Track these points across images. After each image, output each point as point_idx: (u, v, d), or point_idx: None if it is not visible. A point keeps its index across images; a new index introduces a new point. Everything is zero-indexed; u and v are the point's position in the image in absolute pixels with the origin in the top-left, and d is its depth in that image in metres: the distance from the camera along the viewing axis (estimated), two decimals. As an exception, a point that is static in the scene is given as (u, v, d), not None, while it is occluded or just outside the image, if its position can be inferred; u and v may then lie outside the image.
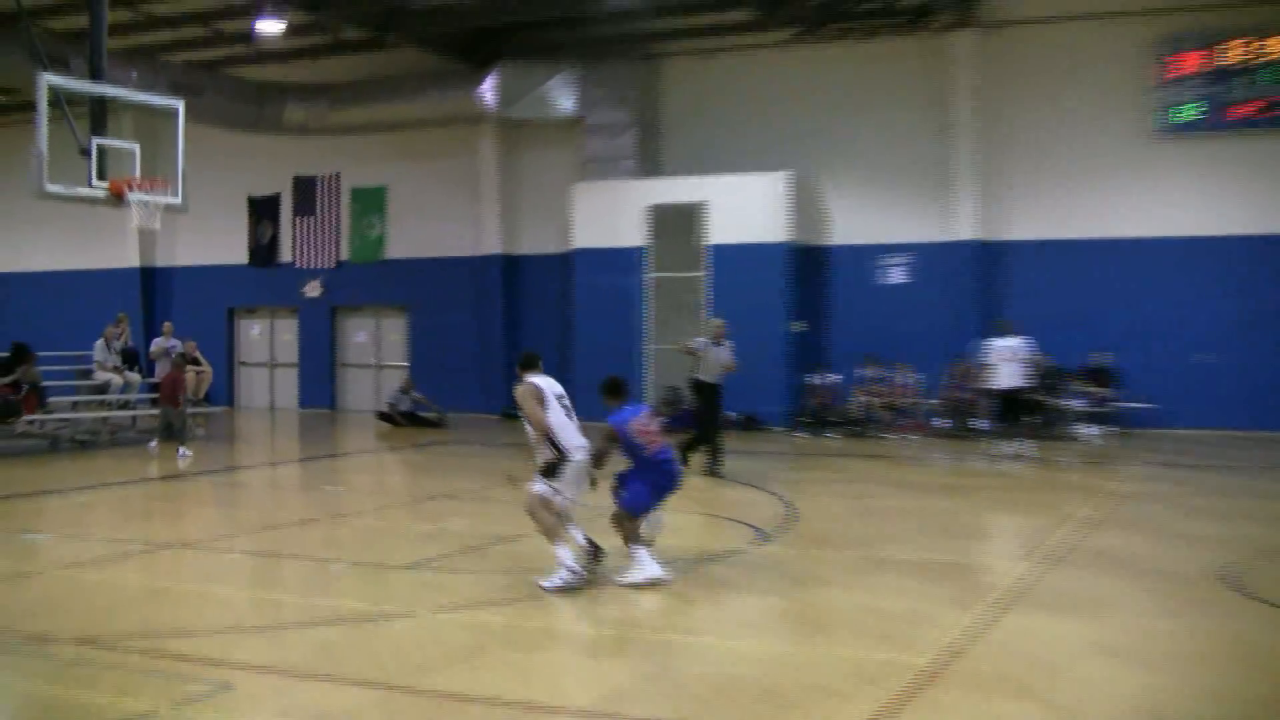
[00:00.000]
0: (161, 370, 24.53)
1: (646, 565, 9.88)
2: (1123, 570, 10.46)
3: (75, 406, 23.43)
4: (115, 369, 23.91)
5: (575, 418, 10.15)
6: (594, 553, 10.08)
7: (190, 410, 22.24)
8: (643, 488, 10.07)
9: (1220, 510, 14.23)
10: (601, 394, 10.49)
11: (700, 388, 17.83)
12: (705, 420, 17.78)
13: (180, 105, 18.55)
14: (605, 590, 9.76)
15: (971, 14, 24.42)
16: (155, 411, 23.51)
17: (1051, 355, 22.27)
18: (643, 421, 10.24)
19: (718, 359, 17.75)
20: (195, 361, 24.36)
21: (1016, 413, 20.16)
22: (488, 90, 26.82)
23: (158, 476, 18.16)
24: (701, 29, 26.10)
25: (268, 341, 32.95)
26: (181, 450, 20.46)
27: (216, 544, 12.18)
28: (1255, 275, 23.19)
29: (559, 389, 10.25)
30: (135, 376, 24.36)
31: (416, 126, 28.65)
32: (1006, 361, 19.75)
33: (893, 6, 23.80)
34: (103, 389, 23.68)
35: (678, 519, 12.28)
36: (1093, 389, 23.00)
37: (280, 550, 11.76)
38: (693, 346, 18.11)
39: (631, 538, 9.98)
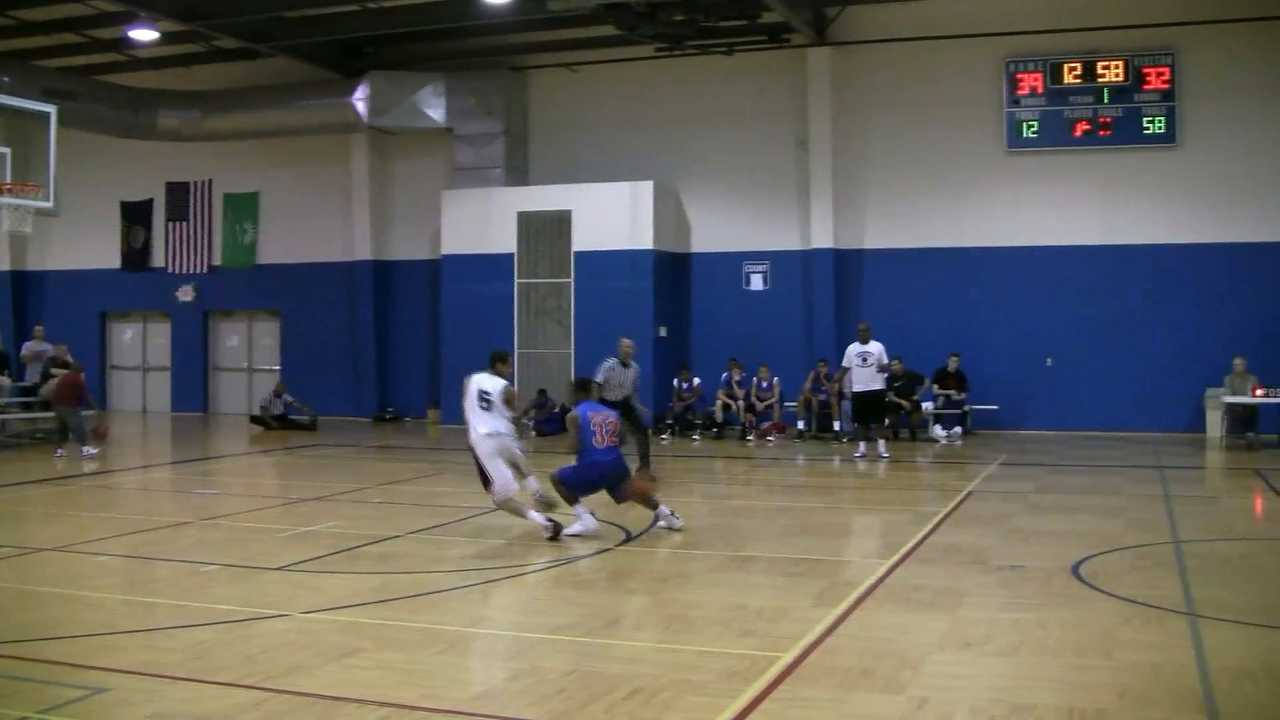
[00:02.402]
0: (33, 374, 24.59)
1: (584, 520, 12.20)
2: (977, 565, 10.88)
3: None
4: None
5: (496, 409, 12.39)
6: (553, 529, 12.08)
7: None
8: (576, 471, 12.33)
9: (1068, 506, 14.99)
10: (572, 390, 13.09)
11: (607, 405, 18.07)
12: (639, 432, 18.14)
13: (53, 110, 18.69)
14: (473, 591, 10.14)
15: (827, 32, 25.21)
16: (29, 415, 23.60)
17: (903, 359, 23.17)
18: (604, 417, 12.51)
19: (623, 380, 18.05)
20: (65, 365, 24.36)
21: (872, 415, 20.89)
22: (359, 99, 27.11)
23: (29, 480, 18.16)
24: (568, 42, 26.63)
25: (140, 345, 32.85)
26: (85, 449, 20.64)
27: (89, 547, 12.22)
28: (1098, 283, 24.31)
29: (485, 385, 12.56)
30: (6, 380, 24.34)
31: (289, 134, 28.87)
32: (862, 365, 20.45)
33: (753, 25, 24.44)
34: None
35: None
36: (946, 392, 23.94)
37: (153, 553, 11.86)
38: (600, 379, 18.35)
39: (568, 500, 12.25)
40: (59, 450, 21.08)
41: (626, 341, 18.34)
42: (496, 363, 12.99)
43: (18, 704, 6.91)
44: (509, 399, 12.58)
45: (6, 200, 17.75)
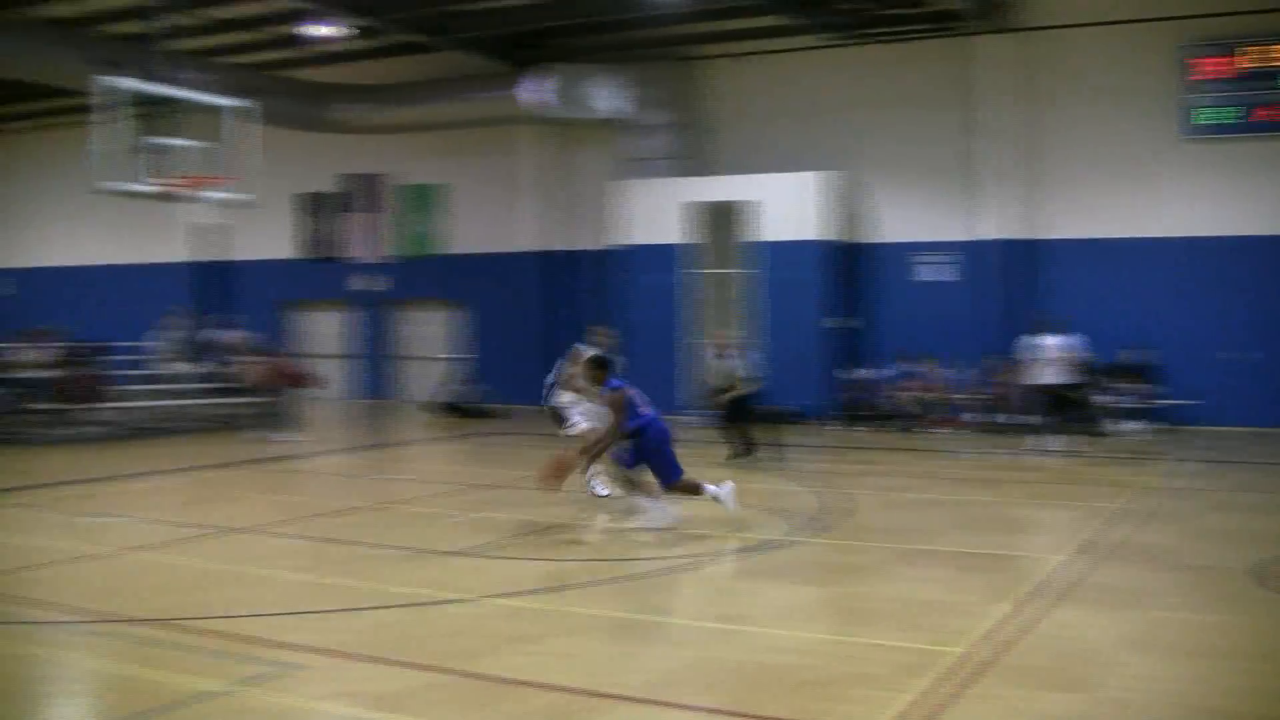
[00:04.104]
0: (217, 362, 25.37)
1: (655, 510, 11.93)
2: (1159, 564, 10.67)
3: (137, 395, 24.20)
4: (179, 358, 24.67)
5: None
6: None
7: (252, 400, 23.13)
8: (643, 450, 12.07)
9: (1255, 506, 14.49)
10: (591, 368, 12.71)
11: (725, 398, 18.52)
12: (728, 422, 18.46)
13: (255, 105, 19.20)
14: (647, 579, 10.26)
15: (999, 18, 24.83)
16: (211, 401, 24.38)
17: (1093, 352, 22.61)
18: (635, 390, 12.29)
19: (720, 370, 18.37)
20: (251, 353, 25.09)
21: (1059, 408, 20.44)
22: (530, 91, 27.41)
23: (217, 464, 18.76)
24: (737, 32, 26.59)
25: (321, 334, 33.51)
26: (277, 435, 21.35)
27: (276, 529, 12.65)
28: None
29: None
30: (194, 366, 25.12)
31: (461, 126, 29.27)
32: (1049, 358, 20.03)
33: (921, 12, 24.17)
34: (170, 378, 24.44)
35: (715, 510, 12.77)
36: (1133, 385, 23.30)
37: (338, 536, 12.20)
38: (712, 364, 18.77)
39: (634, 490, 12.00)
40: (277, 435, 21.81)
41: (718, 332, 18.58)
42: (594, 335, 13.17)
43: (215, 676, 7.27)
44: (559, 379, 13.04)
45: (211, 194, 18.26)
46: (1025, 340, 20.40)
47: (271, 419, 22.01)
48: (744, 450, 18.20)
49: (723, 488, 12.40)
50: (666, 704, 6.84)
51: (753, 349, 21.48)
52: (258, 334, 26.83)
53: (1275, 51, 23.18)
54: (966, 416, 23.91)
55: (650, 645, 8.36)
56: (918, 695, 6.82)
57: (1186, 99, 23.84)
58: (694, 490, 12.31)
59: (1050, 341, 19.96)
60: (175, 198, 18.02)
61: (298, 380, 22.49)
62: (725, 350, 18.59)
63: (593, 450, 12.65)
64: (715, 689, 7.05)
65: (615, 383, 12.40)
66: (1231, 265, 23.84)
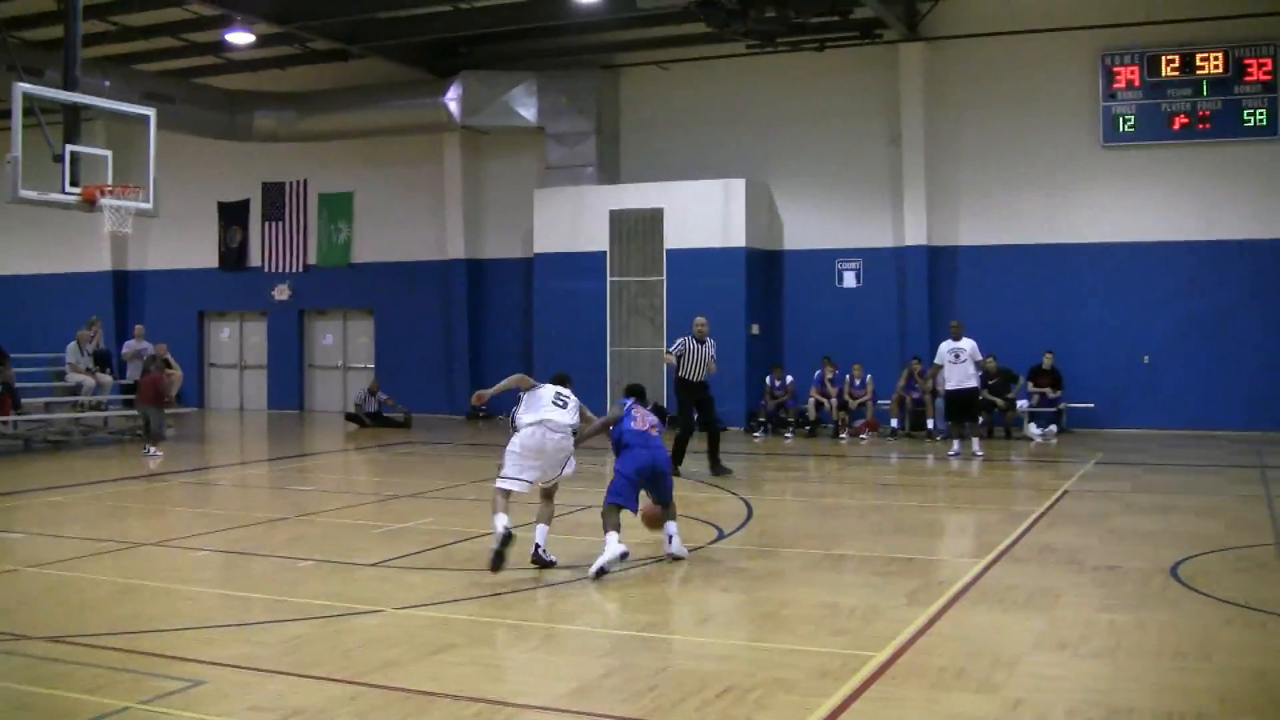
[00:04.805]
0: (133, 372, 25.05)
1: (609, 549, 10.43)
2: (1074, 566, 10.77)
3: (48, 408, 23.87)
4: (88, 371, 24.38)
5: (569, 412, 11.20)
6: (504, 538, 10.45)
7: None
8: (619, 477, 10.98)
9: (1166, 506, 14.74)
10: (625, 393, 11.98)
11: (687, 387, 18.06)
12: (687, 419, 18.02)
13: (152, 113, 18.98)
14: (567, 587, 10.22)
15: (919, 27, 25.04)
16: (130, 413, 24.04)
17: (997, 356, 22.92)
18: (644, 413, 11.49)
19: (700, 357, 18.05)
20: (166, 364, 24.77)
21: (966, 413, 20.72)
22: (451, 99, 27.34)
23: (129, 476, 18.52)
24: (659, 40, 26.64)
25: (237, 344, 33.36)
26: (151, 450, 20.96)
27: (187, 542, 12.44)
28: (1197, 279, 23.90)
29: (565, 391, 11.42)
30: (107, 378, 24.83)
31: (382, 134, 29.16)
32: (955, 363, 20.26)
33: (844, 21, 24.31)
34: (75, 390, 24.13)
35: (636, 519, 12.80)
36: (1040, 389, 23.66)
37: (249, 548, 12.04)
38: (673, 351, 18.43)
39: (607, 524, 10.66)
40: (147, 448, 21.40)
41: (700, 319, 18.32)
42: (566, 381, 12.15)
43: (119, 694, 7.05)
44: (583, 413, 11.51)
45: (109, 202, 18.03)
46: (941, 345, 20.55)
47: (146, 430, 21.66)
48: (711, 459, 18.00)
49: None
50: (587, 713, 6.81)
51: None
52: (175, 344, 26.47)
53: (1194, 60, 23.57)
54: (890, 422, 24.09)
55: (570, 654, 8.29)
56: (837, 700, 6.81)
57: (1105, 107, 24.16)
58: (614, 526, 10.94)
59: (963, 346, 20.12)
60: (94, 207, 17.70)
61: (164, 395, 22.08)
62: (704, 337, 18.12)
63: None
64: (635, 697, 6.99)
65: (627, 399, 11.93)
66: (1142, 270, 24.21)
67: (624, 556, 10.45)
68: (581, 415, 11.40)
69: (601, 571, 10.30)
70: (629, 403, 11.67)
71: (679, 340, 18.32)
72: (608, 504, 10.77)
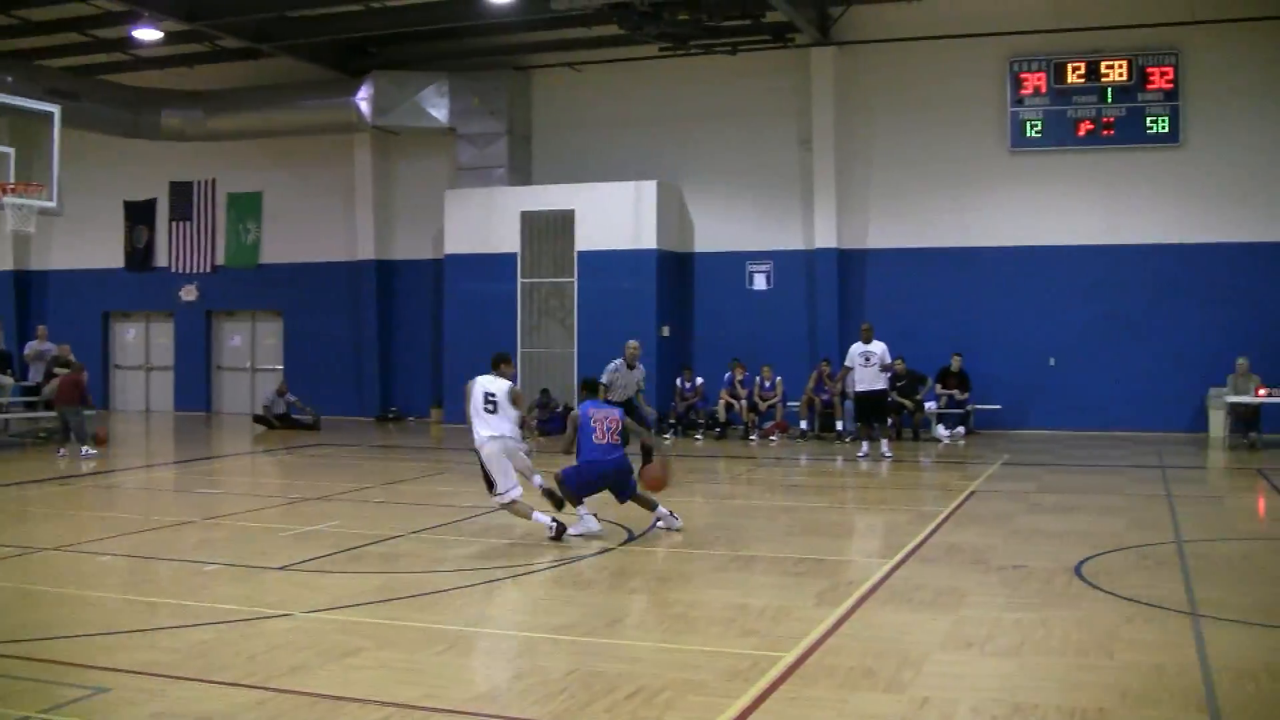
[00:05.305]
0: (35, 374, 24.65)
1: (586, 521, 12.14)
2: (980, 565, 10.87)
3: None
4: (-6, 371, 23.95)
5: (501, 411, 12.41)
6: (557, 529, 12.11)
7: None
8: (578, 471, 12.39)
9: (1070, 506, 14.97)
10: (579, 392, 13.31)
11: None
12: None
13: (56, 110, 18.72)
14: (475, 591, 10.16)
15: (831, 32, 25.23)
16: (33, 415, 23.68)
17: (906, 359, 23.16)
18: (606, 414, 12.63)
19: (627, 381, 18.13)
20: (67, 365, 24.39)
21: (875, 414, 20.86)
22: (362, 99, 27.16)
23: (31, 480, 18.20)
24: (571, 42, 26.64)
25: (143, 345, 32.92)
26: (85, 450, 20.67)
27: (90, 546, 12.25)
28: (1101, 282, 24.32)
29: (490, 387, 12.54)
30: (8, 380, 24.38)
31: (292, 134, 28.93)
32: (865, 365, 20.43)
33: (756, 24, 24.46)
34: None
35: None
36: (948, 391, 23.95)
37: (154, 552, 11.87)
38: (605, 379, 18.45)
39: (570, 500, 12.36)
40: (61, 450, 21.09)
41: (633, 344, 18.39)
42: (500, 364, 13.00)
43: (20, 704, 6.91)
44: (515, 399, 12.67)
45: (10, 200, 17.78)
46: (851, 348, 20.75)
47: (67, 434, 21.34)
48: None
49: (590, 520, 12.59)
50: (498, 716, 6.80)
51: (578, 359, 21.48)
52: (77, 345, 26.08)
53: (1099, 68, 23.98)
54: (799, 424, 24.25)
55: (480, 657, 8.30)
56: (747, 701, 6.84)
57: (1013, 112, 24.51)
58: (572, 502, 12.57)
59: (873, 349, 20.32)
60: (-1, 205, 17.45)
61: (86, 394, 21.83)
62: (634, 361, 18.29)
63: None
64: (546, 699, 6.98)
65: (585, 405, 12.94)
66: (1051, 273, 24.56)
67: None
68: (514, 401, 12.21)
69: (561, 530, 12.04)
70: (587, 408, 12.64)
71: (612, 364, 18.33)
72: (564, 486, 12.26)
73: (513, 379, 13.09)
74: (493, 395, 12.45)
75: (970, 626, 8.63)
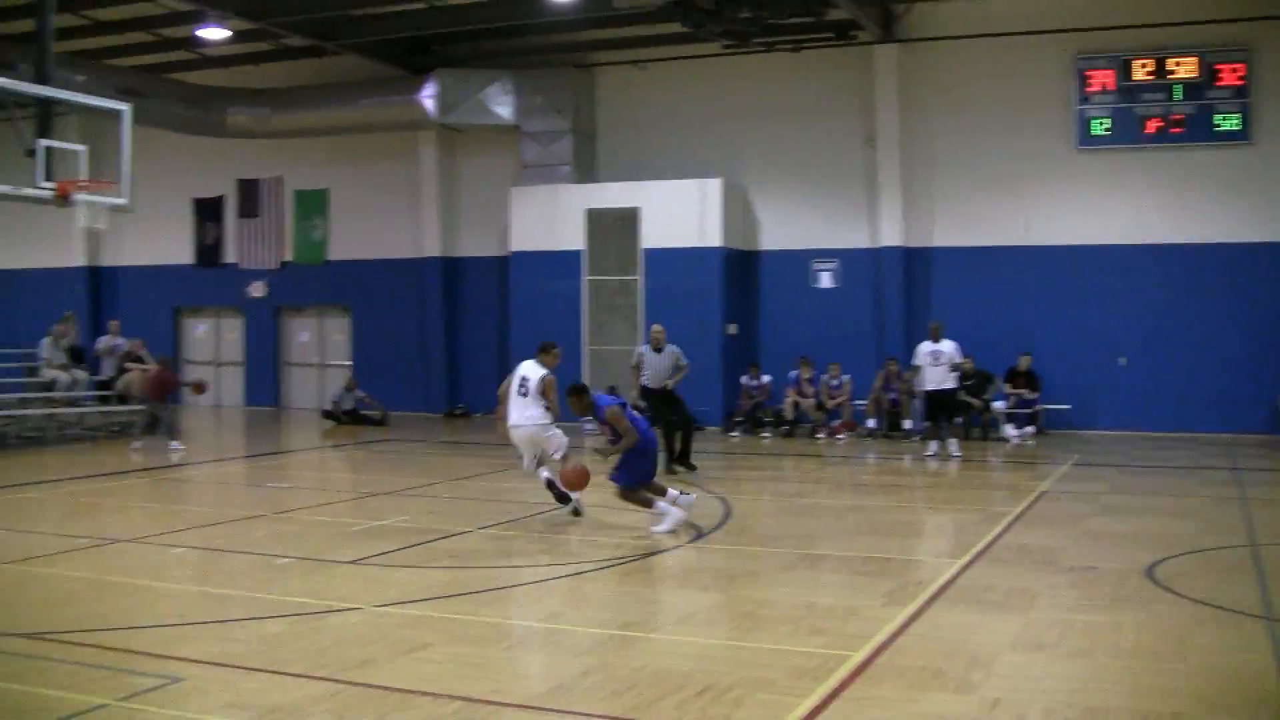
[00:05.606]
0: (107, 369, 24.97)
1: (671, 514, 12.34)
2: (1051, 567, 10.74)
3: (22, 403, 23.74)
4: (62, 366, 24.25)
5: (531, 396, 13.22)
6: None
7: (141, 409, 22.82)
8: (629, 466, 12.56)
9: (1141, 508, 14.80)
10: (574, 395, 13.04)
11: (647, 394, 18.35)
12: (667, 419, 18.12)
13: (126, 108, 18.90)
14: (543, 586, 10.21)
15: (894, 29, 25.09)
16: (105, 409, 24.01)
17: (977, 359, 22.96)
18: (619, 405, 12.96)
19: (658, 365, 18.33)
20: (140, 360, 24.67)
21: (944, 413, 20.73)
22: (426, 97, 27.28)
23: (105, 473, 18.41)
24: (634, 40, 26.62)
25: (213, 340, 33.24)
26: (173, 444, 20.93)
27: (163, 539, 12.40)
28: (1171, 282, 24.00)
29: (527, 373, 13.36)
30: (82, 374, 24.71)
31: (357, 131, 29.08)
32: (934, 364, 20.31)
33: (819, 22, 24.37)
34: (49, 386, 24.01)
35: (618, 517, 12.98)
36: (1017, 391, 23.72)
37: (226, 545, 12.03)
38: (634, 361, 18.75)
39: (644, 503, 12.51)
40: (137, 443, 21.32)
41: (657, 327, 18.74)
42: (544, 350, 13.46)
43: (96, 691, 7.03)
44: (544, 388, 13.17)
45: (83, 197, 17.95)
46: (920, 346, 20.64)
47: (149, 428, 21.59)
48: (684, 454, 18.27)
49: (682, 498, 12.69)
50: (564, 711, 6.80)
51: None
52: (148, 340, 26.39)
53: (1167, 64, 23.67)
54: (866, 422, 24.13)
55: (548, 653, 8.31)
56: (815, 700, 6.82)
57: (1079, 110, 24.26)
58: (647, 504, 12.59)
59: (942, 348, 20.21)
60: (68, 202, 17.63)
61: (175, 389, 22.13)
62: (660, 345, 18.47)
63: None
64: (614, 696, 7.00)
65: (604, 400, 13.00)
66: (1120, 272, 24.29)
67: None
68: (543, 390, 12.63)
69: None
70: (615, 401, 13.06)
71: (639, 349, 18.68)
72: (629, 491, 12.49)
73: (553, 368, 13.58)
74: (526, 380, 13.11)
75: (1040, 628, 8.56)
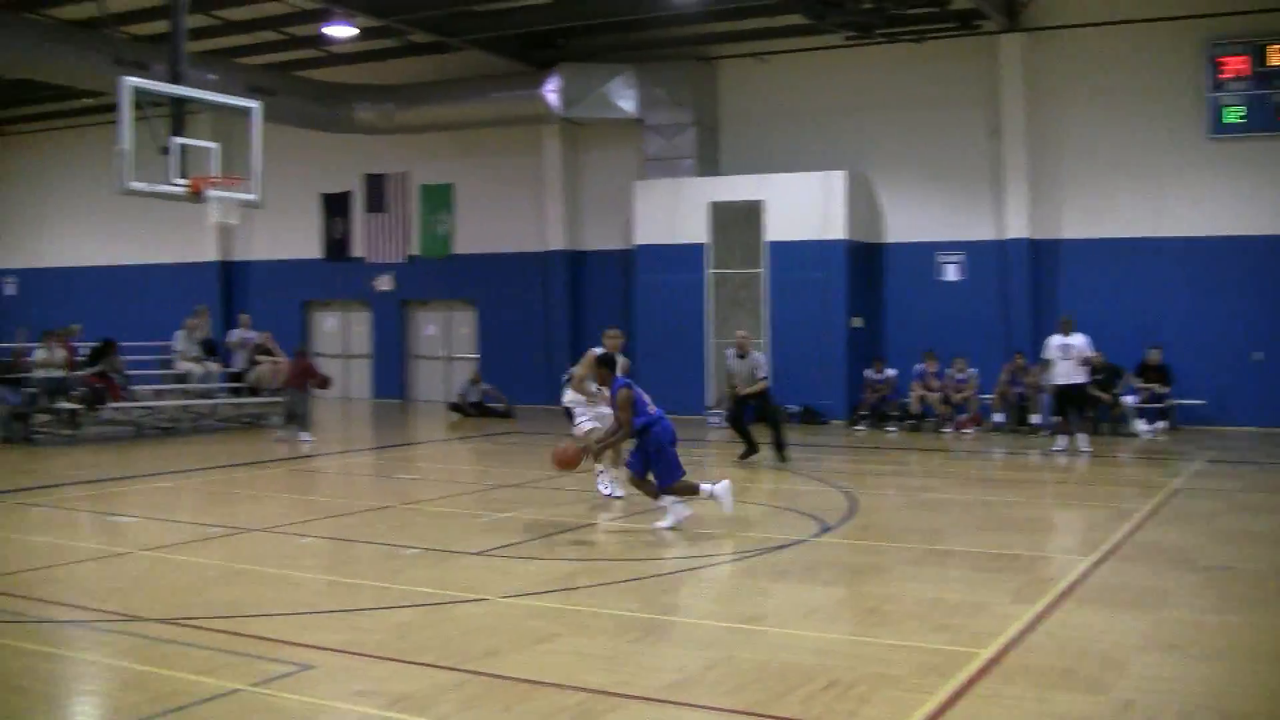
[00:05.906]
0: (239, 361, 25.49)
1: (674, 511, 12.28)
2: (1182, 565, 10.55)
3: (158, 395, 24.31)
4: (195, 359, 24.81)
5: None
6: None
7: (272, 400, 23.30)
8: (661, 456, 12.33)
9: (1275, 507, 14.45)
10: (595, 366, 13.29)
11: (736, 398, 18.75)
12: (739, 426, 18.61)
13: (257, 106, 19.30)
14: (667, 580, 10.25)
15: (1019, 18, 24.70)
16: (237, 400, 24.53)
17: (1105, 352, 22.53)
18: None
19: (744, 371, 18.47)
20: (269, 353, 25.11)
21: (1074, 408, 20.40)
22: (549, 91, 27.42)
23: (237, 463, 18.80)
24: (756, 32, 26.49)
25: (341, 333, 33.75)
26: (304, 435, 21.36)
27: (294, 529, 12.63)
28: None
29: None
30: (214, 366, 25.26)
31: (481, 126, 29.33)
32: (1064, 358, 20.00)
33: (942, 11, 24.09)
34: (184, 378, 24.58)
35: (741, 509, 12.95)
36: (1148, 385, 23.24)
37: (354, 535, 12.21)
38: (728, 368, 18.97)
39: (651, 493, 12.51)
40: (280, 433, 21.79)
41: (740, 332, 18.70)
42: (604, 336, 14.00)
43: (230, 676, 7.20)
44: (574, 379, 14.06)
45: (215, 193, 18.35)
46: (1049, 340, 20.32)
47: (290, 419, 22.01)
48: (751, 450, 18.35)
49: (718, 485, 12.47)
50: (689, 704, 6.79)
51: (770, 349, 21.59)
52: (279, 334, 26.85)
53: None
54: (993, 417, 23.81)
55: (671, 645, 8.31)
56: (943, 697, 6.76)
57: (1212, 98, 23.67)
58: (692, 491, 12.48)
59: (1072, 341, 19.88)
60: (201, 198, 18.07)
61: (315, 379, 22.55)
62: (745, 351, 18.68)
63: (601, 444, 13.14)
64: (738, 690, 7.00)
65: (621, 381, 12.75)
66: (1254, 265, 23.68)
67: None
68: (571, 381, 13.23)
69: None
70: (626, 381, 12.80)
71: (727, 353, 19.00)
72: (679, 480, 12.26)
73: (616, 350, 14.20)
74: (572, 369, 13.55)
75: (1174, 628, 8.40)
